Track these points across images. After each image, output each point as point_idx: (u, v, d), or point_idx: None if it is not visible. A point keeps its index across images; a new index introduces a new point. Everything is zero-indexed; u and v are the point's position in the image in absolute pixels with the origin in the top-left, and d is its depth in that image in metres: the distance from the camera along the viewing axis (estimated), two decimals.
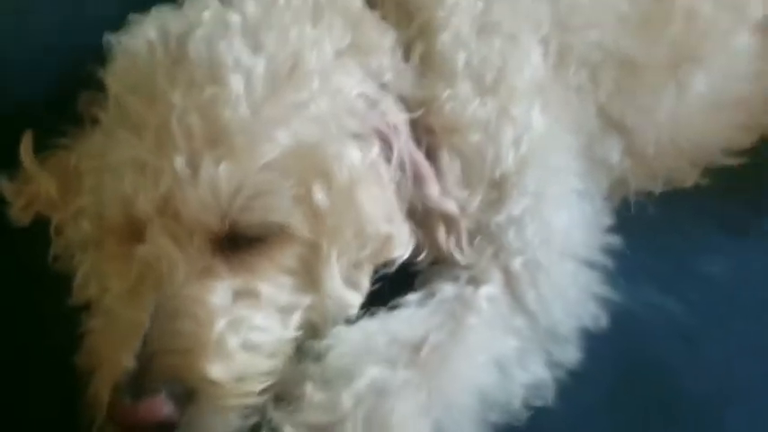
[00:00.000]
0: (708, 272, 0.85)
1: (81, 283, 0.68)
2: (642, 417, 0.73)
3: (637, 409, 0.73)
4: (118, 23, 0.72)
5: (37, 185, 0.74)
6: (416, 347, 0.64)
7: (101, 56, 0.71)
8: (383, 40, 0.72)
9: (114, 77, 0.68)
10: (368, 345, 0.63)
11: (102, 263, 0.66)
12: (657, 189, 0.93)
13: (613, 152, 0.88)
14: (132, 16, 0.70)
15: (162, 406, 0.56)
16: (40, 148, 0.76)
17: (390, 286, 0.72)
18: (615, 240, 0.80)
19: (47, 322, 0.70)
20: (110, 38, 0.70)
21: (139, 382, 0.57)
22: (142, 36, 0.67)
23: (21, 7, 0.81)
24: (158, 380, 0.57)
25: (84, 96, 0.74)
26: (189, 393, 0.58)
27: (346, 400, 0.59)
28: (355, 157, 0.66)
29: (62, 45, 0.80)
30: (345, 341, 0.64)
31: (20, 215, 0.74)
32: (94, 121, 0.72)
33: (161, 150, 0.62)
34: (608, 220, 0.82)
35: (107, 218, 0.65)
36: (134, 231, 0.63)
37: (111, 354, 0.59)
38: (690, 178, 0.95)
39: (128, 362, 0.57)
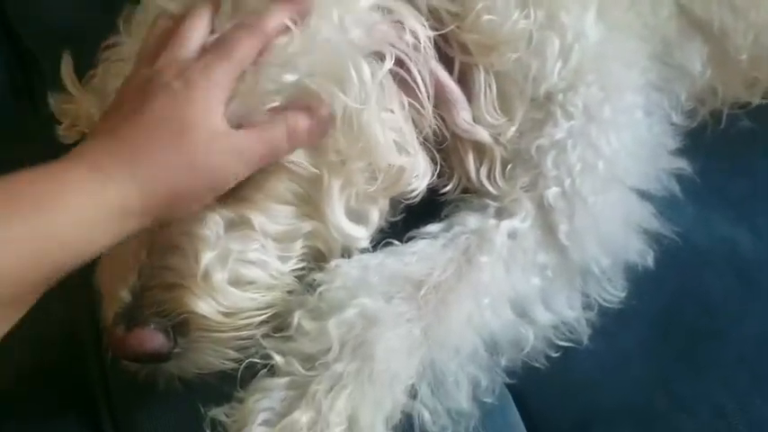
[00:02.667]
0: None
1: None
2: (682, 360, 0.67)
3: (677, 351, 0.67)
4: None
5: (79, 106, 0.75)
6: (418, 284, 0.61)
7: None
8: None
9: None
10: (365, 279, 0.61)
11: None
12: (755, 100, 0.80)
13: (695, 59, 0.75)
14: None
15: (151, 337, 0.57)
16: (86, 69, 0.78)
17: (417, 217, 0.68)
18: (683, 163, 0.71)
19: None
20: None
21: (131, 315, 0.58)
22: None
23: None
24: (147, 313, 0.58)
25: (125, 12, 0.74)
26: (179, 326, 0.58)
27: (333, 327, 0.58)
28: (363, 83, 0.61)
29: None
30: (341, 275, 0.61)
31: (65, 134, 0.76)
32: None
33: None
34: (674, 142, 0.72)
35: None
36: None
37: (112, 285, 0.60)
38: None
39: (124, 294, 0.58)
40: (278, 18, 0.59)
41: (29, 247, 0.48)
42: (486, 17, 0.65)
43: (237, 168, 0.56)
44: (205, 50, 0.58)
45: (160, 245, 0.59)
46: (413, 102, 0.64)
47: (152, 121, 0.53)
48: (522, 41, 0.66)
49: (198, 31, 0.59)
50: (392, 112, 0.63)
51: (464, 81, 0.67)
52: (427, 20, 0.66)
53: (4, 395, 0.68)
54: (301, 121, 0.58)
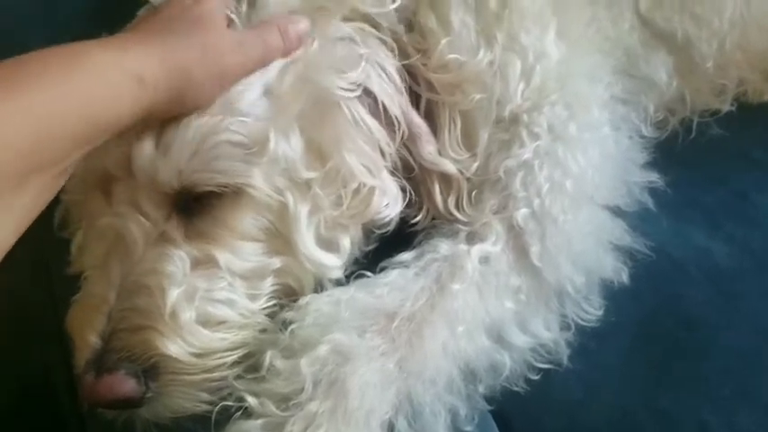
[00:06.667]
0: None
1: (75, 252, 0.68)
2: (664, 375, 0.66)
3: (659, 366, 0.66)
4: None
5: None
6: (391, 316, 0.60)
7: None
8: None
9: None
10: (337, 314, 0.60)
11: (87, 232, 0.66)
12: (725, 107, 0.81)
13: (660, 70, 0.76)
14: None
15: (121, 383, 0.56)
16: None
17: (390, 246, 0.67)
18: (655, 176, 0.71)
19: None
20: None
21: (101, 361, 0.57)
22: None
23: None
24: (117, 358, 0.57)
25: None
26: (150, 370, 0.57)
27: (305, 366, 0.57)
28: (329, 107, 0.61)
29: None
30: (312, 311, 0.60)
31: None
32: None
33: None
34: (644, 156, 0.72)
35: (86, 180, 0.63)
36: (108, 195, 0.62)
37: (82, 331, 0.59)
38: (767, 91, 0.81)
39: (93, 340, 0.58)
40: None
41: (54, 109, 0.49)
42: (450, 56, 0.66)
43: (240, 58, 0.60)
44: None
45: (128, 286, 0.59)
46: (380, 129, 0.64)
47: (166, 17, 0.60)
48: (486, 78, 0.66)
49: None
50: (359, 136, 0.63)
51: (430, 115, 0.68)
52: (393, 53, 0.66)
53: None
54: (290, 24, 0.63)
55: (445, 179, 0.66)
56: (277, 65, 0.62)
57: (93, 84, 0.51)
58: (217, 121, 0.59)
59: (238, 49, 0.60)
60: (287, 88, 0.61)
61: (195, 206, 0.60)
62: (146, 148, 0.59)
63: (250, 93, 0.60)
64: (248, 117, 0.60)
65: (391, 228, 0.67)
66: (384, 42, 0.66)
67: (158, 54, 0.55)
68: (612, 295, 0.67)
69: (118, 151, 0.60)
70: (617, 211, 0.68)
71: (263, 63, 0.61)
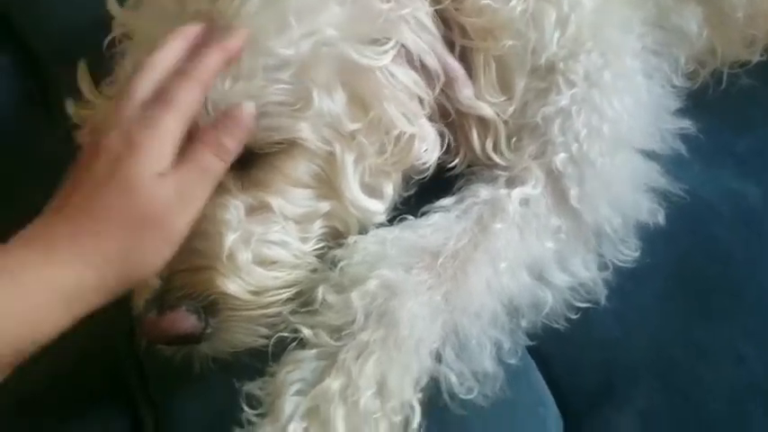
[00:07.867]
0: None
1: None
2: (700, 312, 0.68)
3: (694, 304, 0.68)
4: None
5: (97, 111, 0.78)
6: (435, 254, 0.63)
7: None
8: None
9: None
10: (384, 252, 0.63)
11: None
12: (755, 58, 0.82)
13: (691, 21, 0.77)
14: None
15: (183, 319, 0.60)
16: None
17: (430, 193, 0.70)
18: (687, 123, 0.73)
19: None
20: None
21: (162, 299, 0.60)
22: None
23: None
24: (178, 296, 0.60)
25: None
26: (209, 307, 0.61)
27: (356, 299, 0.60)
28: (370, 59, 0.63)
29: None
30: (360, 249, 0.63)
31: (86, 138, 0.79)
32: None
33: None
34: (676, 103, 0.73)
35: None
36: None
37: None
38: None
39: (153, 281, 0.61)
40: (212, 61, 0.59)
41: None
42: (483, 1, 0.67)
43: (183, 209, 0.56)
44: (146, 105, 0.57)
45: None
46: (417, 80, 0.66)
47: (95, 193, 0.54)
48: (519, 26, 0.67)
49: (142, 87, 0.58)
50: (398, 85, 0.65)
51: (465, 59, 0.69)
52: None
53: (40, 392, 0.70)
54: (222, 135, 0.58)
55: (482, 122, 0.68)
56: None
57: (27, 307, 0.50)
58: (260, 87, 0.61)
59: (179, 202, 0.55)
60: (320, 61, 0.62)
61: (251, 158, 0.63)
62: (203, 113, 0.60)
63: (282, 72, 0.61)
64: (288, 84, 0.62)
65: (429, 173, 0.69)
66: None
67: (94, 262, 0.52)
68: (648, 237, 0.69)
69: None
70: (651, 155, 0.70)
71: (209, 190, 0.58)
